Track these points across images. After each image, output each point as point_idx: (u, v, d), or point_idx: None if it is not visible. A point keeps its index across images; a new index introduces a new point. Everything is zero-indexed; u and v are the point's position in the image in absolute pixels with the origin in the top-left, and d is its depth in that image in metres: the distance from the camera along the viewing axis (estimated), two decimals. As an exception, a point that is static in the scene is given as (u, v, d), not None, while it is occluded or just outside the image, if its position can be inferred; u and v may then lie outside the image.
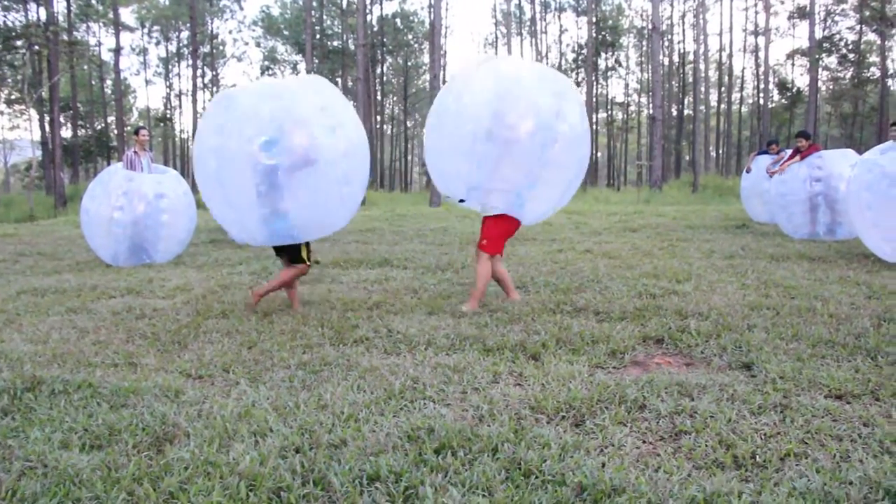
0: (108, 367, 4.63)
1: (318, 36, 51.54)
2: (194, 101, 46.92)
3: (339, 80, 56.52)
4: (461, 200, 6.44)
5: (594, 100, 54.19)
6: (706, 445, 3.24)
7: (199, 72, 50.76)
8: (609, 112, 64.97)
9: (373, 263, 9.13)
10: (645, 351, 4.91)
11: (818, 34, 43.00)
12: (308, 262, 6.37)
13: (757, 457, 3.12)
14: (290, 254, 6.29)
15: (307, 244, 6.33)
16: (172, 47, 58.25)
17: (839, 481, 2.85)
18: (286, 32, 57.59)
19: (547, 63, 58.54)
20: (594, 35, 49.65)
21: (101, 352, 5.00)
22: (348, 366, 4.57)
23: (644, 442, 3.35)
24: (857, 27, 46.38)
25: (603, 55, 58.95)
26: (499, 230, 6.37)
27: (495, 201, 6.22)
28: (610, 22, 55.66)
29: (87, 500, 2.75)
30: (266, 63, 61.30)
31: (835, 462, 3.07)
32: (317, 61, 50.63)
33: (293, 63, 60.89)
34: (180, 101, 58.58)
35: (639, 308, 5.98)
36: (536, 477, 2.90)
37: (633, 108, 67.33)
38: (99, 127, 52.82)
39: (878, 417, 3.56)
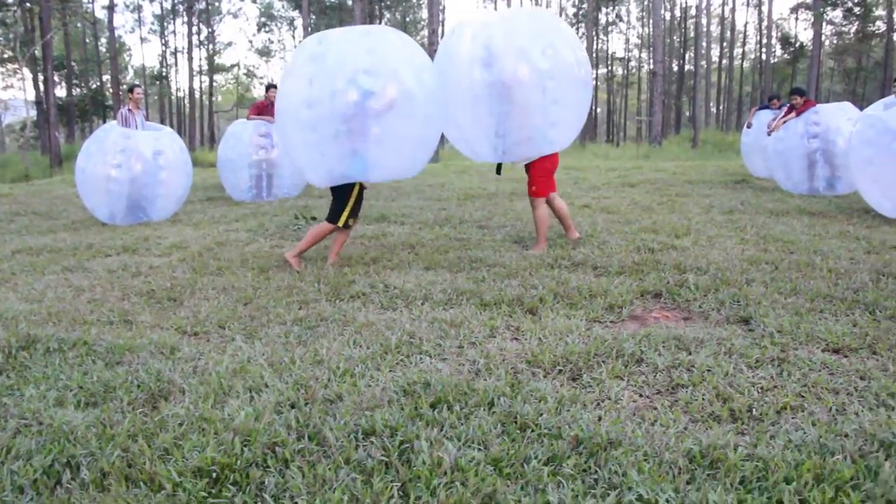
0: (103, 325, 4.62)
1: (314, -10, 50.88)
2: (190, 59, 46.52)
3: (336, 35, 55.83)
4: (498, 172, 7.19)
5: (594, 55, 53.68)
6: (703, 399, 3.23)
7: (194, 29, 50.24)
8: (609, 67, 64.41)
9: (370, 219, 9.09)
10: (643, 305, 4.89)
11: (822, -13, 42.40)
12: (342, 225, 6.28)
13: (754, 410, 3.12)
14: (333, 208, 6.28)
15: (354, 209, 6.29)
16: (167, 4, 57.44)
17: (835, 434, 2.85)
18: (282, -13, 56.89)
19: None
20: (594, -11, 49.00)
21: (96, 310, 4.98)
22: (344, 321, 4.56)
23: (641, 395, 3.34)
24: (863, -21, 45.73)
25: (604, 10, 58.29)
26: (540, 170, 6.74)
27: (526, 151, 6.51)
28: (611, -25, 54.91)
29: (81, 456, 2.74)
30: (263, 19, 60.56)
31: (831, 415, 3.07)
32: (314, 16, 50.06)
33: (290, 19, 60.20)
34: (176, 58, 57.90)
35: (637, 263, 5.95)
36: (532, 430, 2.90)
37: (633, 63, 66.75)
38: (94, 86, 52.18)
39: (874, 371, 3.55)
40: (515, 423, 2.97)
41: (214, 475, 2.58)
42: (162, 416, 3.09)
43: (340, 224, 6.28)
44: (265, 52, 63.29)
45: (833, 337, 4.03)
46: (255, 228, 8.61)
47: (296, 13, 56.84)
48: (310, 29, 38.21)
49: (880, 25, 49.07)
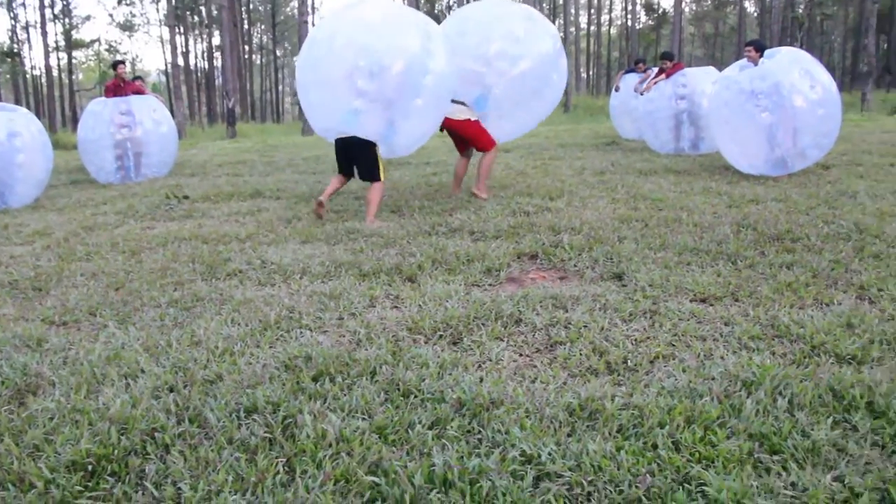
0: (-40, 321, 4.33)
1: (176, -39, 48.81)
2: (44, 34, 43.82)
3: (202, 8, 53.94)
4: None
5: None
6: (580, 354, 3.33)
7: (46, 1, 47.37)
8: (481, 36, 64.74)
9: (244, 195, 8.87)
10: (520, 267, 4.98)
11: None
12: (385, 178, 7.07)
13: (628, 361, 3.24)
14: (369, 170, 6.90)
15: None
16: (14, -26, 53.95)
17: (703, 377, 2.99)
18: (141, -43, 54.34)
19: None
20: (462, -43, 49.07)
21: (-49, 304, 4.67)
22: (222, 300, 4.44)
23: (521, 355, 3.41)
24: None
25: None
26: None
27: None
28: (478, -57, 55.03)
29: (-62, 462, 2.57)
30: (121, -9, 57.62)
31: (699, 360, 3.22)
32: (177, -12, 48.12)
33: (151, -9, 57.57)
34: (28, 34, 54.50)
35: (513, 226, 6.05)
36: (415, 396, 2.92)
37: (504, 31, 67.33)
38: (-67, 63, 48.55)
39: (737, 316, 3.75)
40: (398, 390, 2.98)
41: (90, 468, 2.47)
42: (30, 411, 2.92)
43: (384, 178, 7.00)
44: (127, 27, 60.47)
45: (699, 287, 4.22)
46: (125, 210, 8.25)
47: (158, -16, 54.40)
48: (174, 1, 36.50)
49: (733, -7, 51.35)
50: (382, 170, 6.92)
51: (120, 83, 12.10)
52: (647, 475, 2.28)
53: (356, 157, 6.90)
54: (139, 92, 12.09)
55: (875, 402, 2.72)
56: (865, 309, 3.84)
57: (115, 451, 2.55)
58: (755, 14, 55.88)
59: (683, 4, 48.89)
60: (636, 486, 2.23)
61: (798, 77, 8.38)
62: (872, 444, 2.48)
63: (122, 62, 12.61)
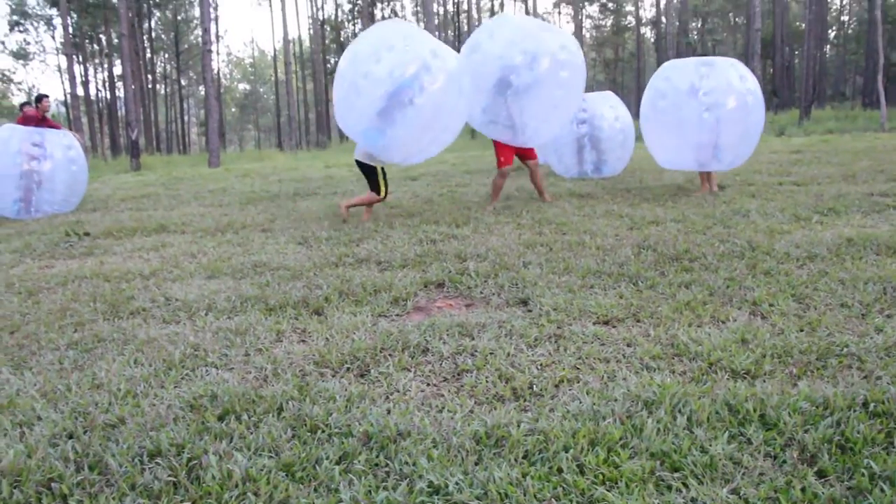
0: None
1: (73, -12, 47.53)
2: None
3: (102, 36, 52.59)
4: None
5: (372, 52, 54.23)
6: (487, 381, 3.36)
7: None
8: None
9: (148, 230, 8.67)
10: (427, 296, 5.00)
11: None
12: (382, 195, 8.43)
13: (534, 386, 3.28)
14: (370, 181, 8.36)
15: (385, 179, 8.41)
16: None
17: (606, 399, 3.06)
18: (37, -17, 52.66)
19: (322, 14, 57.65)
20: (367, -15, 49.43)
21: None
22: (124, 340, 4.32)
23: (428, 385, 3.42)
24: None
25: (379, 5, 59.02)
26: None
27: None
28: (383, -29, 55.57)
29: None
30: (15, 17, 55.55)
31: (603, 382, 3.29)
32: (75, 16, 46.87)
33: (47, 18, 55.75)
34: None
35: (420, 254, 6.08)
36: (323, 431, 2.90)
37: (410, 58, 67.95)
38: None
39: (639, 337, 3.85)
40: (305, 425, 2.95)
41: (-23, 526, 2.37)
42: None
43: (382, 196, 8.45)
44: (22, 55, 58.53)
45: (602, 310, 4.32)
46: (21, 249, 7.94)
47: (54, 11, 52.62)
48: (70, 29, 35.32)
49: (631, 20, 53.27)
50: (382, 186, 8.36)
51: (41, 116, 11.82)
52: (553, 499, 2.32)
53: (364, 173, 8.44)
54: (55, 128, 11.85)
55: (767, 414, 2.84)
56: (758, 324, 4.00)
57: (7, 506, 2.45)
58: (652, 40, 57.99)
59: (584, 31, 50.38)
60: (541, 512, 2.27)
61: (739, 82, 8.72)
62: (765, 455, 2.58)
63: (47, 96, 12.32)
